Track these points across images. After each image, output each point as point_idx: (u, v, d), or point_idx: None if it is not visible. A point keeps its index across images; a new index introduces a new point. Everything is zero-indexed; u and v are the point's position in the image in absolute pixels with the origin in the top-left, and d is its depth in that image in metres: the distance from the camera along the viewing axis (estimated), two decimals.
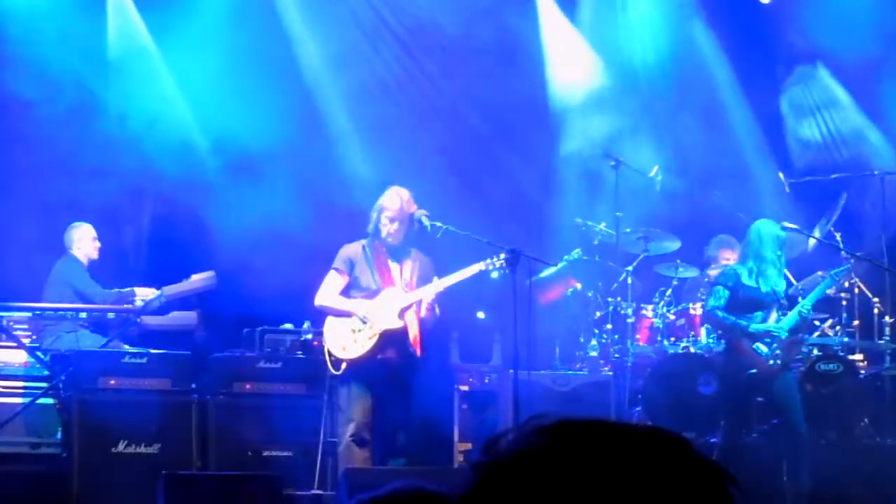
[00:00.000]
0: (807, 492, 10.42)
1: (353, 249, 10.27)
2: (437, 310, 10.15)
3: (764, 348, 10.59)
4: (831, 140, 14.52)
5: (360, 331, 10.03)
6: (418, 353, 10.09)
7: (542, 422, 1.52)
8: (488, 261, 10.08)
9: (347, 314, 10.10)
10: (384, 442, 10.05)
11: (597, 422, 1.51)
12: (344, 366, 10.02)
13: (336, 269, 10.25)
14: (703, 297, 12.42)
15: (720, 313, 10.70)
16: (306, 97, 13.46)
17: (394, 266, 10.20)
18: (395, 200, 10.12)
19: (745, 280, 10.63)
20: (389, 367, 9.98)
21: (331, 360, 10.08)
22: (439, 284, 10.06)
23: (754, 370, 10.64)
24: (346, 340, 10.05)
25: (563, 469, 1.45)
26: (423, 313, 10.08)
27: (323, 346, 10.27)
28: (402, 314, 10.05)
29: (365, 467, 9.73)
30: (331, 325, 10.18)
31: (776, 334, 10.60)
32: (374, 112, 13.28)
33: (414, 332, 10.08)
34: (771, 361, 10.58)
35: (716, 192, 12.16)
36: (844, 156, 14.27)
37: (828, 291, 12.42)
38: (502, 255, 10.04)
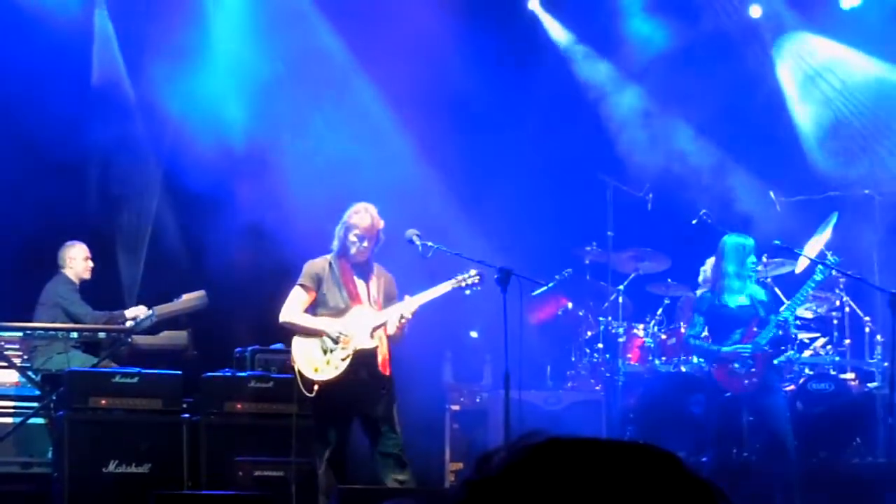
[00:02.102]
0: None
1: (319, 265, 9.94)
2: (406, 328, 9.90)
3: (739, 368, 10.62)
4: (845, 95, 14.51)
5: (332, 351, 9.73)
6: (386, 372, 9.88)
7: (533, 440, 1.52)
8: (459, 277, 9.90)
9: (316, 333, 9.92)
10: (369, 463, 9.93)
11: (587, 440, 1.51)
12: (316, 388, 9.78)
13: (302, 286, 9.91)
14: None
15: (693, 341, 10.90)
16: (294, 118, 13.46)
17: (360, 283, 9.90)
18: (365, 218, 9.80)
19: (716, 301, 10.69)
20: (361, 388, 9.74)
21: (302, 382, 9.83)
22: (411, 303, 9.84)
23: (729, 393, 10.67)
24: (318, 362, 9.75)
25: (552, 487, 1.46)
26: (390, 331, 9.86)
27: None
28: (373, 333, 9.84)
29: (356, 486, 9.65)
30: (300, 345, 9.82)
31: (744, 354, 10.61)
32: (365, 132, 13.30)
33: (383, 352, 9.84)
34: (745, 381, 10.60)
35: (703, 211, 12.18)
36: (863, 109, 14.32)
37: (818, 310, 12.45)
38: (473, 272, 9.90)
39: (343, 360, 9.68)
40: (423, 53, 13.34)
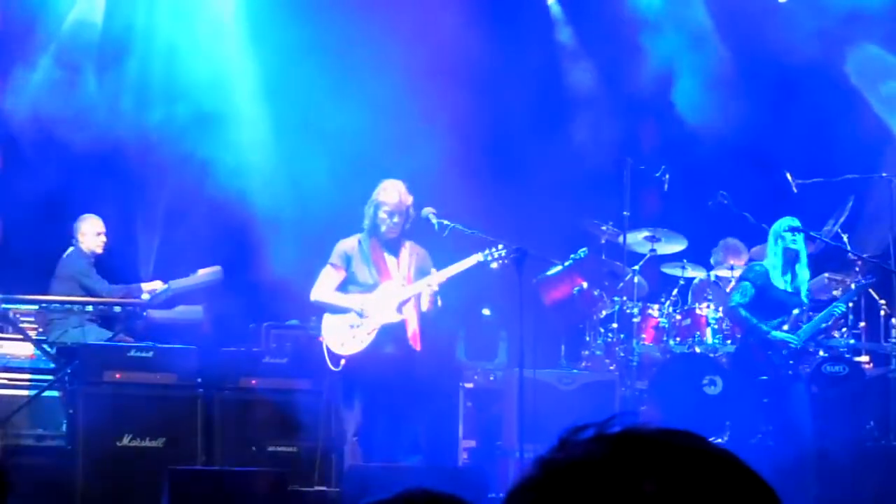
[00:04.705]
0: (814, 494, 10.43)
1: (349, 244, 10.12)
2: (440, 301, 10.04)
3: (779, 357, 10.64)
4: None
5: (358, 326, 9.90)
6: (417, 347, 9.98)
7: (610, 428, 1.51)
8: (486, 251, 9.97)
9: (345, 310, 9.98)
10: (390, 438, 9.98)
11: (664, 436, 1.50)
12: (343, 362, 9.92)
13: (332, 265, 10.10)
14: (710, 298, 12.45)
15: (743, 312, 10.80)
16: (308, 100, 13.45)
17: (390, 259, 10.06)
18: (392, 195, 9.95)
19: (775, 280, 10.68)
20: (389, 362, 9.84)
21: (329, 357, 9.97)
22: (438, 276, 9.94)
23: (765, 377, 10.68)
24: (344, 336, 9.93)
25: (612, 487, 1.44)
26: (424, 307, 9.97)
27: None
28: (400, 308, 9.94)
29: (369, 464, 9.69)
30: (328, 321, 10.05)
31: (793, 345, 10.63)
32: (379, 107, 13.28)
33: (413, 327, 9.96)
34: (783, 371, 10.62)
35: (721, 193, 12.13)
36: None
37: (834, 293, 12.43)
38: (500, 246, 9.95)
39: (368, 333, 9.84)
40: (440, 31, 13.31)
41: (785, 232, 10.70)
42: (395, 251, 10.07)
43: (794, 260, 10.77)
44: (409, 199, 9.98)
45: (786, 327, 10.79)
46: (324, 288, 10.07)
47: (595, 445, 1.48)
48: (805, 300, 10.73)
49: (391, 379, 9.84)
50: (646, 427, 1.50)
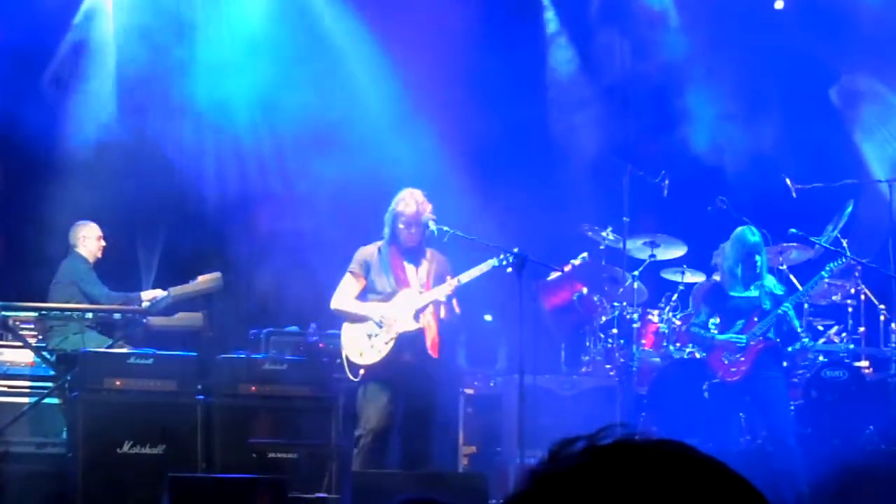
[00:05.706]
0: (805, 501, 10.43)
1: (368, 252, 10.10)
2: (458, 308, 10.04)
3: (729, 357, 10.75)
4: None
5: (376, 335, 9.87)
6: (435, 355, 9.96)
7: (601, 439, 1.50)
8: (501, 256, 9.98)
9: (363, 319, 9.98)
10: (404, 447, 9.97)
11: (654, 447, 1.50)
12: (362, 372, 9.91)
13: (352, 272, 10.07)
14: None
15: (692, 329, 11.19)
16: (318, 100, 13.46)
17: (409, 268, 10.03)
18: (410, 205, 9.90)
19: (724, 291, 10.93)
20: (407, 370, 9.82)
21: (349, 367, 9.96)
22: (454, 282, 9.94)
23: (717, 379, 10.81)
24: (363, 346, 9.90)
25: (603, 499, 1.44)
26: (442, 314, 9.97)
27: (328, 348, 10.24)
28: (417, 316, 9.92)
29: (370, 471, 9.68)
30: (347, 331, 10.02)
31: (737, 343, 10.71)
32: (381, 116, 13.30)
33: (432, 335, 9.92)
34: (733, 369, 10.71)
35: (720, 198, 12.14)
36: None
37: (833, 298, 12.43)
38: (515, 249, 9.95)
39: (387, 343, 9.82)
40: (437, 37, 13.33)
41: (751, 250, 10.83)
42: (414, 259, 10.04)
43: (759, 275, 10.91)
44: (428, 207, 9.96)
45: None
46: (344, 296, 10.04)
47: (585, 457, 1.48)
48: (767, 305, 10.81)
49: (410, 386, 9.83)
50: (636, 438, 1.50)
